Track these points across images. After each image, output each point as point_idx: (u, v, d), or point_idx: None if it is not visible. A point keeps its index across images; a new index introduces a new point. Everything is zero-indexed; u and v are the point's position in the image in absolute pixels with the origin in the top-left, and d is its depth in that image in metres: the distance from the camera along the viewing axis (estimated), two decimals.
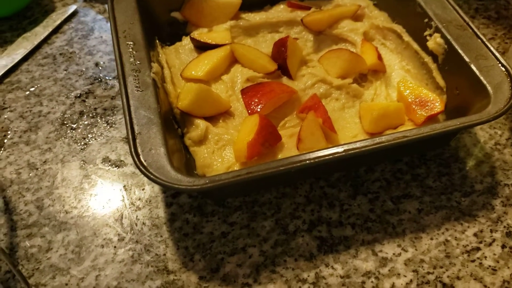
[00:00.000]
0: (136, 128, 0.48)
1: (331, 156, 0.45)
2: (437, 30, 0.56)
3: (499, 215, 0.50)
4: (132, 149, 0.46)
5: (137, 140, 0.47)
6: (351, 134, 0.55)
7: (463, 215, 0.50)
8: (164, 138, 0.48)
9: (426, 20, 0.58)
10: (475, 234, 0.49)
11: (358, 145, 0.46)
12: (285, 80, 0.60)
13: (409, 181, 0.53)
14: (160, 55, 0.61)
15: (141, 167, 0.45)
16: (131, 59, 0.54)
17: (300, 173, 0.53)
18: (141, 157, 0.46)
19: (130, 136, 0.47)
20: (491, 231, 0.49)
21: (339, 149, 0.46)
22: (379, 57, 0.59)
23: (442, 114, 0.55)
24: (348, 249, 0.49)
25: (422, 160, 0.55)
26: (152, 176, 0.44)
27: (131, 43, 0.56)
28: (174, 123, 0.55)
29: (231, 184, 0.45)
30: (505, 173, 0.53)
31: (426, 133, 0.47)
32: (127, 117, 0.49)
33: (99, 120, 0.60)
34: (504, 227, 0.50)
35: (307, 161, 0.45)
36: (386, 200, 0.52)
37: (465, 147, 0.56)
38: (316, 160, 0.45)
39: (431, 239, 0.49)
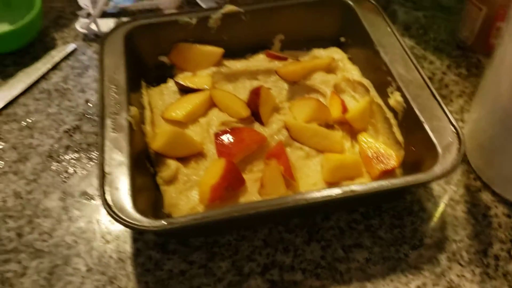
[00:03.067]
0: (106, 168, 0.53)
1: (280, 206, 0.49)
2: (398, 88, 0.60)
3: (443, 269, 0.53)
4: (100, 188, 0.51)
5: (106, 180, 0.52)
6: (312, 182, 0.58)
7: (409, 268, 0.53)
8: (132, 179, 0.52)
9: (389, 78, 0.61)
10: (418, 287, 0.52)
11: (307, 196, 0.50)
12: (257, 125, 0.64)
13: (362, 231, 0.56)
14: (143, 96, 0.66)
15: (105, 205, 0.49)
16: (112, 102, 0.59)
17: (257, 219, 0.56)
18: (107, 196, 0.50)
19: (100, 176, 0.52)
20: (434, 285, 0.52)
21: (289, 200, 0.50)
22: (344, 111, 0.63)
23: (399, 168, 0.59)
24: None
25: (377, 211, 0.58)
26: (114, 215, 0.49)
27: (114, 87, 0.61)
28: (147, 162, 0.59)
29: (189, 227, 0.49)
30: (455, 229, 0.56)
31: (372, 189, 0.50)
32: (100, 157, 0.53)
33: (83, 155, 0.65)
34: (447, 281, 0.52)
35: (259, 209, 0.49)
36: (338, 248, 0.55)
37: (419, 201, 0.59)
38: (267, 209, 0.49)
39: None
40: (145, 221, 0.48)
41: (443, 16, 0.81)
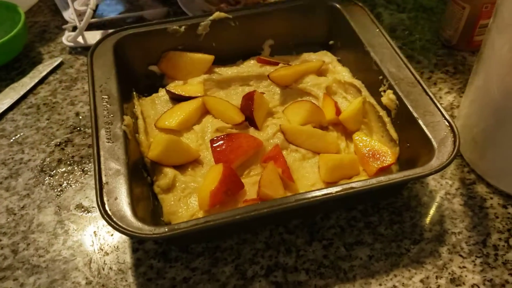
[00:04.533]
0: (104, 178, 0.52)
1: (282, 206, 0.49)
2: (390, 86, 0.61)
3: (445, 262, 0.53)
4: (98, 199, 0.50)
5: (104, 190, 0.51)
6: (309, 183, 0.58)
7: (411, 262, 0.53)
8: (130, 188, 0.51)
9: (381, 77, 0.62)
10: (421, 281, 0.52)
11: (308, 195, 0.50)
12: (251, 130, 0.64)
13: (362, 228, 0.56)
14: (135, 107, 0.66)
15: (105, 215, 0.49)
16: (105, 112, 0.58)
17: (258, 221, 0.56)
18: (106, 206, 0.50)
19: (98, 186, 0.51)
20: (437, 277, 0.52)
21: (291, 199, 0.50)
22: (337, 113, 0.63)
23: (395, 165, 0.59)
24: None
25: (375, 208, 0.58)
26: (115, 225, 0.48)
27: (106, 97, 0.60)
28: (143, 172, 0.59)
29: (191, 232, 0.48)
30: (453, 222, 0.57)
31: (371, 185, 0.50)
32: (96, 168, 0.53)
33: (76, 168, 0.64)
34: (449, 273, 0.52)
35: (261, 210, 0.49)
36: (340, 247, 0.55)
37: (417, 197, 0.59)
38: (269, 210, 0.49)
39: (380, 285, 0.52)
40: (147, 229, 0.48)
41: (426, 17, 0.83)
